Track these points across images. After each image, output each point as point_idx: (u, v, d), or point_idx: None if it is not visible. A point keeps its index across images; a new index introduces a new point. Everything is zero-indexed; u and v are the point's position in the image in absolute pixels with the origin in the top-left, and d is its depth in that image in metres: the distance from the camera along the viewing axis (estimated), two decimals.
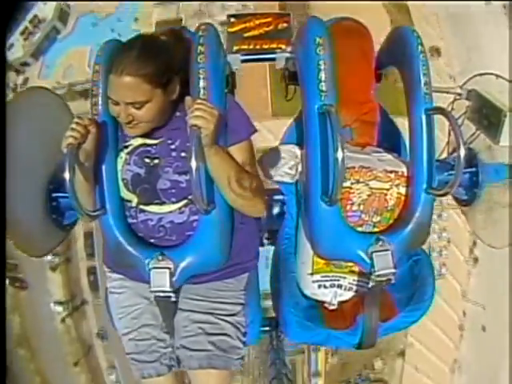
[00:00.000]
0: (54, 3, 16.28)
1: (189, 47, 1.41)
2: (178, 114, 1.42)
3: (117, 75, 1.28)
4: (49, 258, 15.39)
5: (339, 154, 1.28)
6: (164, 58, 1.33)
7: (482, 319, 12.79)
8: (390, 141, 1.70)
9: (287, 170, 1.62)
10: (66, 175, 1.24)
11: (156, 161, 1.41)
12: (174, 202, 1.41)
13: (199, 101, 1.30)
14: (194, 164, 1.22)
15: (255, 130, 1.48)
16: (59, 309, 15.28)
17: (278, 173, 1.64)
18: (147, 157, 1.42)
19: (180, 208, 1.41)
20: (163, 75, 1.32)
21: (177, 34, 1.51)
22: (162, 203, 1.41)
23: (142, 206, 1.42)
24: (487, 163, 1.98)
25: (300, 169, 1.62)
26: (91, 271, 15.23)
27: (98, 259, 14.02)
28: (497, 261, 12.63)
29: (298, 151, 1.62)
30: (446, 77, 12.74)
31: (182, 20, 14.99)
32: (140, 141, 1.43)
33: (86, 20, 15.77)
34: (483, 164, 1.99)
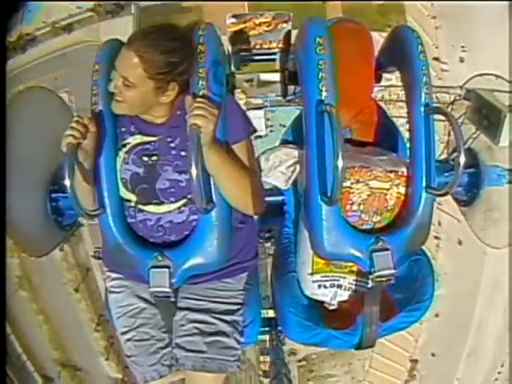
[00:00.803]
0: None
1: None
2: (178, 112, 1.42)
3: (126, 46, 1.30)
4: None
5: (339, 163, 1.28)
6: (173, 58, 1.32)
7: (457, 232, 12.70)
8: (389, 141, 1.70)
9: (284, 170, 1.62)
10: (66, 174, 1.24)
11: (154, 158, 1.41)
12: (172, 202, 1.41)
13: (199, 100, 1.30)
14: (194, 171, 1.22)
15: (255, 130, 1.48)
16: None
17: (274, 173, 1.63)
18: (145, 155, 1.41)
19: (179, 207, 1.41)
20: (162, 73, 1.31)
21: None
22: (161, 203, 1.41)
23: (140, 206, 1.42)
24: (488, 166, 1.98)
25: (298, 169, 1.62)
26: None
27: None
28: None
29: (295, 152, 1.62)
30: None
31: None
32: (138, 139, 1.43)
33: None
34: (484, 166, 1.99)
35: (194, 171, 1.23)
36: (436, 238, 13.59)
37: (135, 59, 1.28)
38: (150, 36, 1.31)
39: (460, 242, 13.08)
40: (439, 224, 13.37)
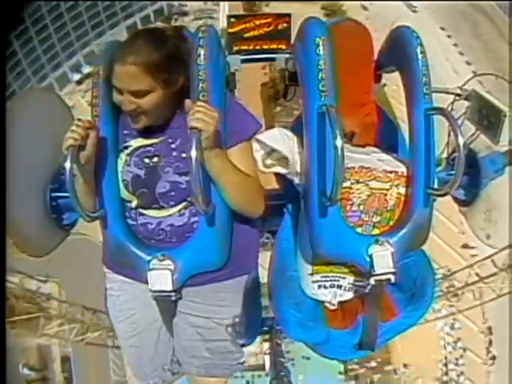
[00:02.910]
0: None
1: (190, 47, 1.40)
2: (178, 111, 1.42)
3: (121, 63, 1.28)
4: (25, 371, 15.21)
5: (338, 142, 1.25)
6: (167, 51, 1.32)
7: None
8: (389, 141, 1.70)
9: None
10: (67, 176, 1.24)
11: (155, 159, 1.41)
12: (172, 206, 1.41)
13: (199, 103, 1.29)
14: (194, 154, 1.20)
15: (260, 126, 1.47)
16: None
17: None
18: (147, 157, 1.41)
19: (179, 211, 1.41)
20: (165, 67, 1.31)
21: (180, 32, 1.46)
22: (161, 208, 1.41)
23: (141, 210, 1.42)
24: (482, 156, 1.96)
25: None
26: None
27: None
28: None
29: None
30: None
31: None
32: (140, 141, 1.43)
33: None
34: (480, 159, 1.98)
35: (194, 174, 1.22)
36: None
37: (135, 69, 1.27)
38: (137, 42, 1.30)
39: None
40: None
